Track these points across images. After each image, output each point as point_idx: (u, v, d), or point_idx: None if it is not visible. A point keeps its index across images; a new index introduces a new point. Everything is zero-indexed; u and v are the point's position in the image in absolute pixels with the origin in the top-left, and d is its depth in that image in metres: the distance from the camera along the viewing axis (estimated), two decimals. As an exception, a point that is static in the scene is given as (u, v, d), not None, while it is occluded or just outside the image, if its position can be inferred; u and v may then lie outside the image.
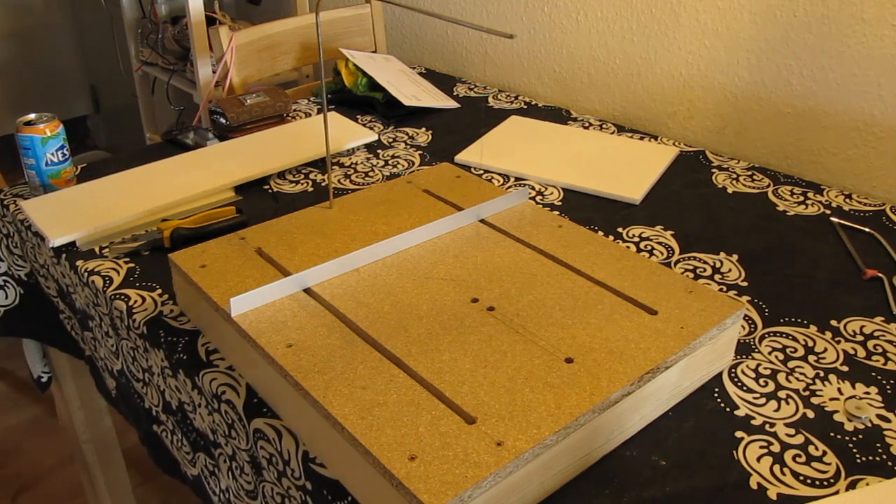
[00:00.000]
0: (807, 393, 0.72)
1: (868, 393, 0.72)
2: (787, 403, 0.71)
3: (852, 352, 0.78)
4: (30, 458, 1.71)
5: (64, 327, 1.07)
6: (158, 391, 0.84)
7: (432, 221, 0.82)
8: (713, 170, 1.16)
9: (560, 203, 1.06)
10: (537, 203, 1.06)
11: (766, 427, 0.68)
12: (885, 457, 0.65)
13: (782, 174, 1.15)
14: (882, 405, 0.71)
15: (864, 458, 0.65)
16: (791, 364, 0.76)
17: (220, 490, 0.79)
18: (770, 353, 0.77)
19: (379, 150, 1.22)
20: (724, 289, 0.88)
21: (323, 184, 1.10)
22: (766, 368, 0.75)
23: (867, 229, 1.00)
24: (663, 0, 1.28)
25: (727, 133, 1.28)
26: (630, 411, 0.64)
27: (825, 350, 0.78)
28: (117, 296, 0.85)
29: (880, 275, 0.90)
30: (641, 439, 0.66)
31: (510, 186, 1.11)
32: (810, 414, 0.70)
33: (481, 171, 1.15)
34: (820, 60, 1.13)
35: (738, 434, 0.67)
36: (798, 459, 0.65)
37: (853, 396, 0.72)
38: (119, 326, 0.86)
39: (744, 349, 0.78)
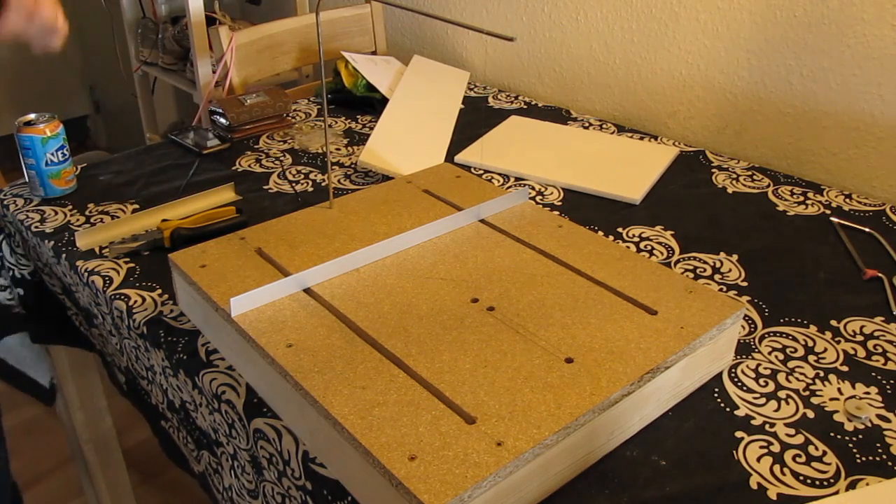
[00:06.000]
0: (807, 393, 0.72)
1: (868, 393, 0.72)
2: (787, 403, 0.71)
3: (852, 352, 0.78)
4: (30, 458, 1.71)
5: (72, 322, 1.07)
6: (161, 389, 0.84)
7: (432, 221, 0.82)
8: (713, 170, 1.16)
9: (560, 203, 1.06)
10: (537, 203, 1.06)
11: (766, 427, 0.68)
12: (885, 457, 0.65)
13: (782, 174, 1.15)
14: (882, 405, 0.71)
15: (864, 458, 0.65)
16: (791, 364, 0.76)
17: (224, 488, 0.79)
18: (770, 353, 0.77)
19: (379, 150, 1.22)
20: (724, 289, 0.88)
21: (323, 184, 1.10)
22: (766, 368, 0.75)
23: (867, 229, 1.00)
24: (663, 0, 1.28)
25: (727, 133, 1.28)
26: (630, 411, 0.64)
27: (825, 350, 0.78)
28: (117, 296, 0.85)
29: (880, 275, 0.90)
30: (641, 439, 0.66)
31: (510, 186, 1.11)
32: (810, 414, 0.70)
33: (481, 171, 1.15)
34: (820, 60, 1.13)
35: (738, 434, 0.67)
36: (798, 459, 0.65)
37: (853, 396, 0.72)
38: (120, 326, 0.86)
39: (744, 349, 0.78)
